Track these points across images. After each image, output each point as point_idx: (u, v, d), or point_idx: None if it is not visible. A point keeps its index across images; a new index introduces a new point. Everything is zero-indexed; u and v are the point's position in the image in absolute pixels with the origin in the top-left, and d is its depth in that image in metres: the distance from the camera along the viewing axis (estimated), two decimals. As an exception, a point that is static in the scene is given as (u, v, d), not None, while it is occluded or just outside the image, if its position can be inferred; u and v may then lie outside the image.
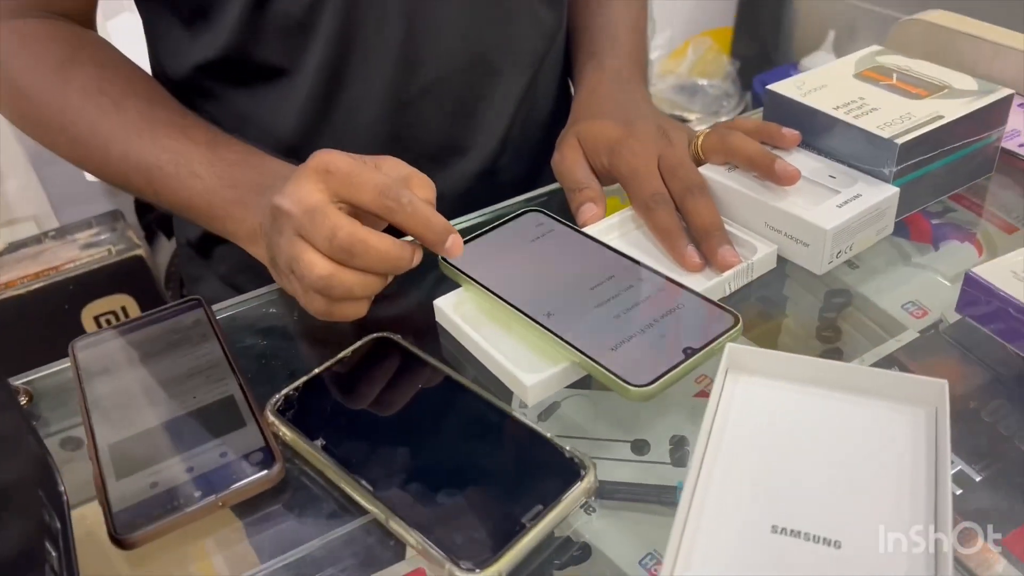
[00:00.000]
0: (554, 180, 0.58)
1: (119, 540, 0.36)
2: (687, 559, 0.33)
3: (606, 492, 0.45)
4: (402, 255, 0.44)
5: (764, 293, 0.54)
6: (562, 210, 0.56)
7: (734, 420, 0.39)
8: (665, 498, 0.42)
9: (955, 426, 0.42)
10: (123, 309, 1.18)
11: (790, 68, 1.70)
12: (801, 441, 0.38)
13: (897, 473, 0.36)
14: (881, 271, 0.55)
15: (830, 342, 0.53)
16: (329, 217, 0.42)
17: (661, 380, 0.39)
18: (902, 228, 0.58)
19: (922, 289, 0.53)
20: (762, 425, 0.39)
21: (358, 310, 0.46)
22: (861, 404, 0.39)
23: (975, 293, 0.44)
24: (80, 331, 1.16)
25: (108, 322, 1.18)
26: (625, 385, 0.39)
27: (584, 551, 0.42)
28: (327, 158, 0.44)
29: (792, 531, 0.34)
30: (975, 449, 0.41)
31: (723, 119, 1.71)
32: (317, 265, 0.43)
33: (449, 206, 0.54)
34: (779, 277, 0.55)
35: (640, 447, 0.45)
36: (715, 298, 0.48)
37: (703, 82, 1.74)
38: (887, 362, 0.47)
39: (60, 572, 0.33)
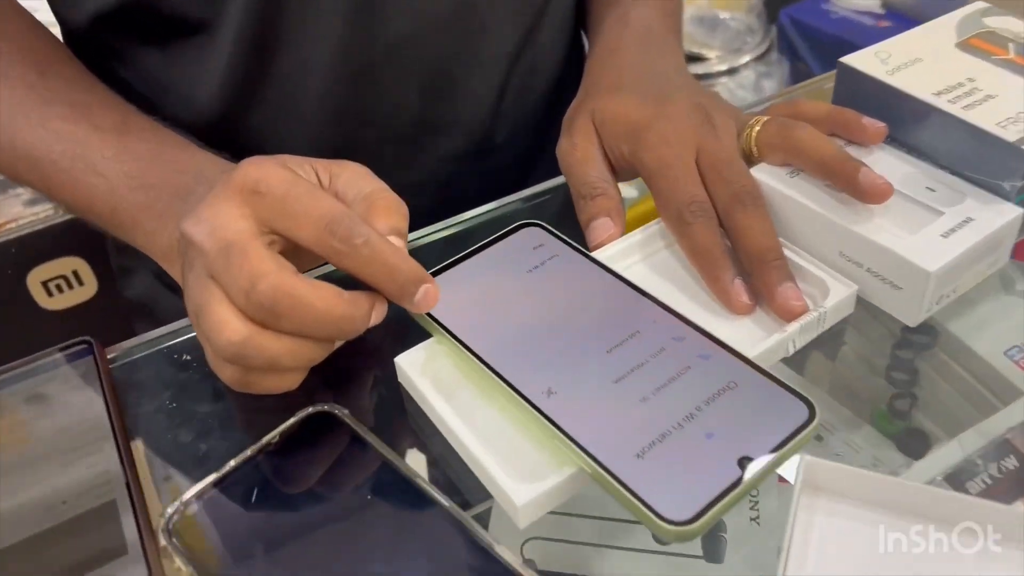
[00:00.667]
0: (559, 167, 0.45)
1: None
2: None
3: None
4: (350, 316, 0.32)
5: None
6: (569, 210, 0.43)
7: (813, 568, 0.28)
8: (697, 604, 0.32)
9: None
10: (75, 273, 1.06)
11: (822, 0, 1.53)
12: None
13: None
14: (976, 302, 0.43)
15: (904, 387, 0.42)
16: (249, 259, 0.31)
17: (709, 513, 0.28)
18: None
19: (1031, 326, 0.42)
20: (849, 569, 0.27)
21: (285, 382, 0.34)
22: (995, 554, 0.27)
23: None
24: (27, 299, 1.05)
25: (58, 288, 1.05)
26: (658, 522, 0.28)
27: None
28: (258, 173, 0.32)
29: None
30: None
31: (746, 57, 1.55)
32: (228, 327, 0.31)
33: (424, 201, 0.41)
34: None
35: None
36: (774, 360, 0.36)
37: (724, 15, 1.57)
38: (999, 448, 0.35)
39: None
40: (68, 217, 1.04)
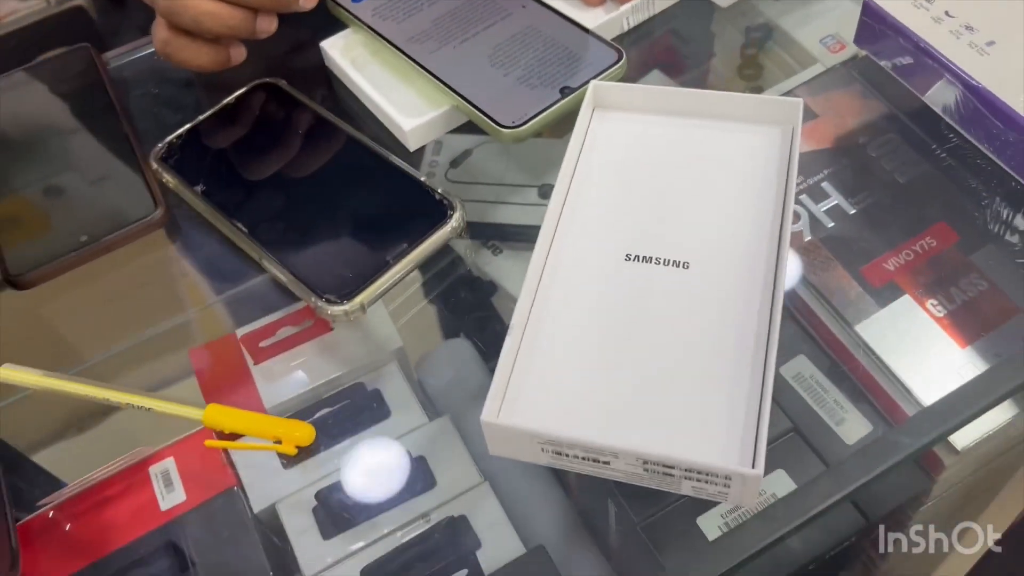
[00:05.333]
0: None
1: (13, 280, 0.39)
2: (545, 293, 0.34)
3: (512, 235, 0.47)
4: None
5: (684, 28, 0.52)
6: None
7: (596, 157, 0.38)
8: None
9: (839, 161, 0.43)
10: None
11: None
12: (660, 171, 0.38)
13: (748, 191, 0.36)
14: (804, 1, 0.52)
15: (752, 80, 0.52)
16: None
17: (533, 121, 0.39)
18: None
19: (844, 20, 0.51)
20: (624, 159, 0.38)
21: (202, 55, 0.43)
22: (722, 129, 0.38)
23: (872, 23, 0.43)
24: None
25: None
26: (495, 126, 0.39)
27: (491, 287, 0.45)
28: None
29: (644, 257, 0.35)
30: (854, 183, 0.42)
31: None
32: None
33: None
34: (704, 11, 0.52)
35: (547, 192, 0.46)
36: (610, 36, 0.46)
37: None
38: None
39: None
40: (59, 10, 1.11)
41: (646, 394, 0.31)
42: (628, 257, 0.35)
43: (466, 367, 0.42)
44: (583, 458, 0.30)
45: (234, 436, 0.35)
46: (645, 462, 0.29)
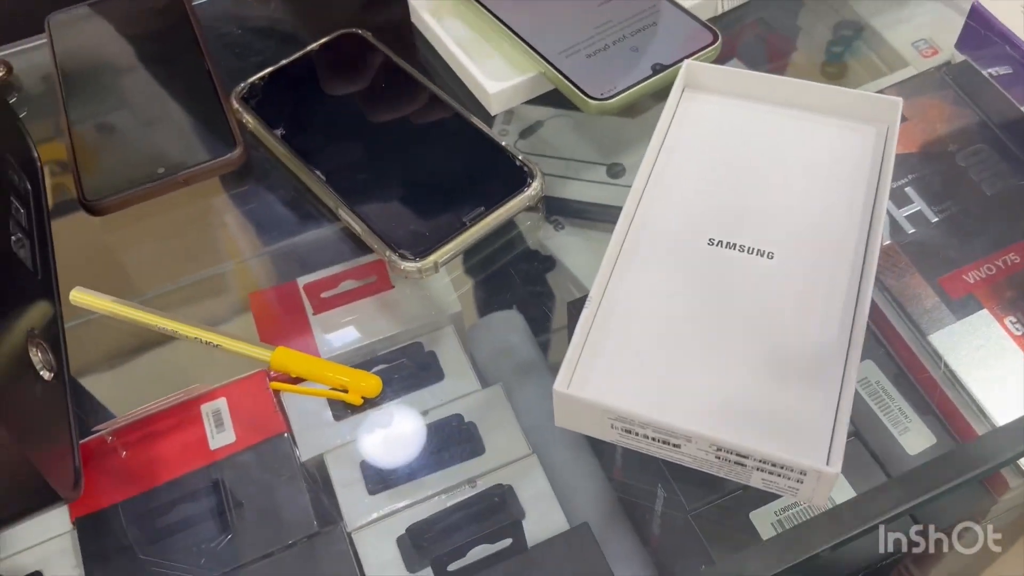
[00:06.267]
0: None
1: (88, 206, 0.39)
2: (623, 270, 0.34)
3: (576, 211, 0.46)
4: None
5: (773, 19, 0.51)
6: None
7: (684, 138, 0.38)
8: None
9: (925, 167, 0.42)
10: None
11: None
12: (748, 158, 0.37)
13: (838, 188, 0.35)
14: (900, 3, 0.51)
15: (834, 78, 0.51)
16: None
17: (622, 95, 0.38)
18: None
19: (939, 25, 0.50)
20: (711, 142, 0.37)
21: None
22: (815, 121, 0.37)
23: (978, 28, 0.41)
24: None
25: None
26: (583, 96, 0.39)
27: (550, 262, 0.45)
28: None
29: (728, 243, 0.34)
30: (940, 191, 0.41)
31: None
32: None
33: None
34: (792, 4, 0.51)
35: (617, 171, 0.45)
36: (704, 17, 0.45)
37: None
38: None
39: (29, 228, 0.36)
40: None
41: (723, 381, 0.30)
42: (711, 241, 0.34)
43: (516, 339, 0.42)
44: (653, 439, 0.29)
45: (295, 382, 0.35)
46: (719, 449, 0.28)
